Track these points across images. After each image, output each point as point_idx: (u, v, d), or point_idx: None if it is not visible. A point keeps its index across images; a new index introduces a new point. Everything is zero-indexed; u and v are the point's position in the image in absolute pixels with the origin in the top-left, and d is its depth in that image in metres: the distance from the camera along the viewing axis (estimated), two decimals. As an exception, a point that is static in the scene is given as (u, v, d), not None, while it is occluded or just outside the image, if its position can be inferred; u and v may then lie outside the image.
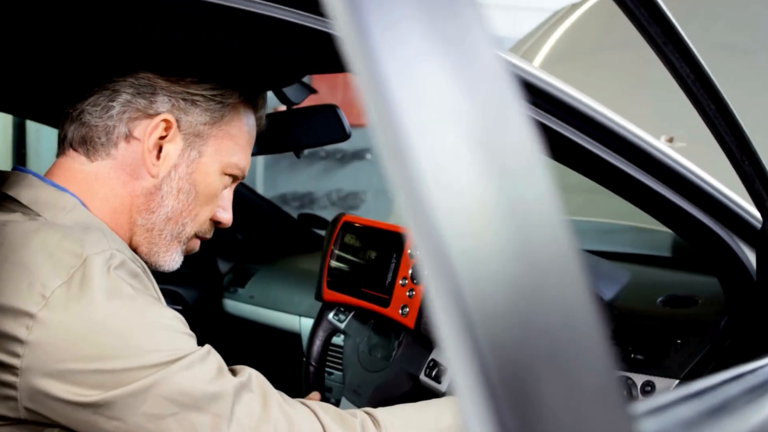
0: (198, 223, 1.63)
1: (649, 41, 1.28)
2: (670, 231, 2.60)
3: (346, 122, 2.22)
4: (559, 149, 1.59)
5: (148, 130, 1.55)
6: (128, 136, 1.55)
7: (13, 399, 1.33)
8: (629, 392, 1.82)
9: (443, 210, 0.54)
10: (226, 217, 1.68)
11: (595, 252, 2.35)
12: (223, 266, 3.33)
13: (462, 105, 0.56)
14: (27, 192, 1.52)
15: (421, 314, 1.79)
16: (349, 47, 0.55)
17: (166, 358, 1.33)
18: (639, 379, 1.83)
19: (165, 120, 1.55)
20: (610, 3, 3.52)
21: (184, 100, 1.57)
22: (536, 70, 1.48)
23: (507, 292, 0.55)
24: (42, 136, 4.20)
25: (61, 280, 1.33)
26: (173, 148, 1.57)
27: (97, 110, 1.55)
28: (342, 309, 2.11)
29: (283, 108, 2.30)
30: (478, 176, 0.55)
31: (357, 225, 2.02)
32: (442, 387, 1.84)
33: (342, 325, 2.08)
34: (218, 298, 3.27)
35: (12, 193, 1.52)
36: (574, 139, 1.53)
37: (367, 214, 5.78)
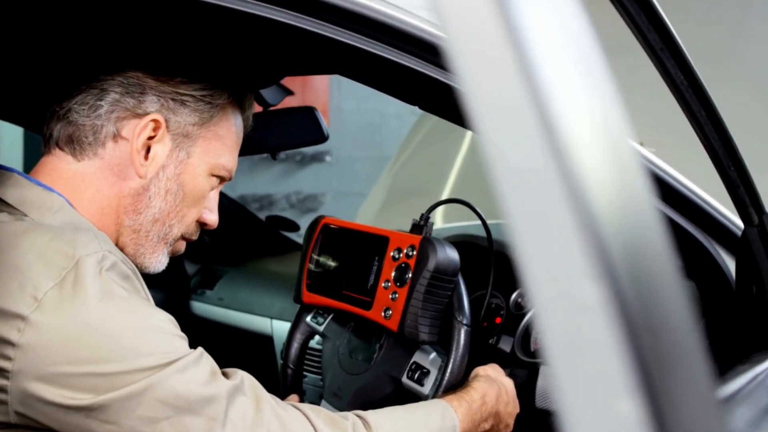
0: (185, 224, 1.62)
1: (646, 47, 1.29)
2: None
3: (324, 124, 2.22)
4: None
5: (137, 130, 1.53)
6: (116, 136, 1.53)
7: (4, 403, 1.31)
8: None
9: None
10: (212, 218, 1.67)
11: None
12: (190, 268, 3.32)
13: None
14: (13, 191, 1.49)
15: (404, 317, 1.78)
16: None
17: (160, 361, 1.32)
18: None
19: (154, 120, 1.54)
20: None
21: (173, 100, 1.56)
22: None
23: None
24: (4, 135, 4.15)
25: (53, 281, 1.31)
26: (161, 148, 1.56)
27: (84, 109, 1.53)
28: (320, 311, 2.10)
29: (258, 109, 2.30)
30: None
31: (337, 227, 2.02)
32: (425, 390, 1.84)
33: (321, 328, 2.08)
34: (185, 300, 3.25)
35: None
36: None
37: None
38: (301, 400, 2.01)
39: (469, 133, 3.80)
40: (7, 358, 1.30)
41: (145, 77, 1.55)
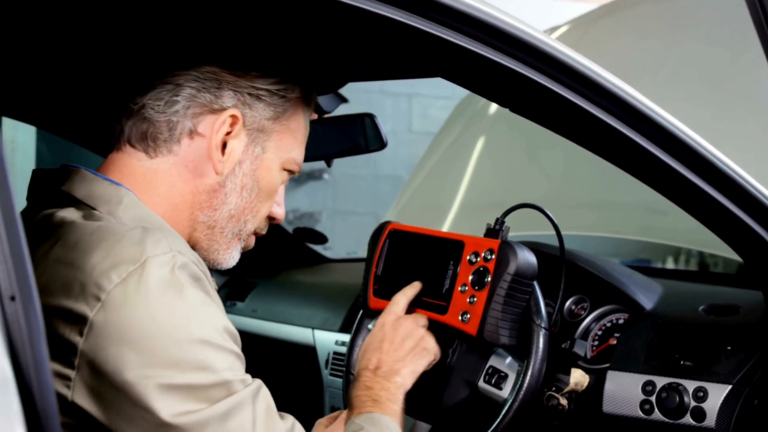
0: (258, 219, 1.62)
1: None
2: (677, 245, 2.59)
3: (384, 131, 2.22)
4: (600, 138, 1.63)
5: (215, 126, 1.52)
6: (192, 132, 1.52)
7: (69, 403, 1.31)
8: (681, 399, 1.84)
9: None
10: (281, 212, 1.68)
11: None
12: (218, 280, 3.29)
13: None
14: (81, 187, 1.48)
15: (484, 320, 1.78)
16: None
17: (215, 380, 1.32)
18: (690, 385, 1.86)
19: (232, 115, 1.53)
20: (578, 34, 3.57)
21: (249, 94, 1.55)
22: (582, 57, 1.52)
23: None
24: (17, 149, 4.12)
25: (117, 280, 1.30)
26: (237, 144, 1.55)
27: (159, 105, 1.51)
28: (384, 318, 2.09)
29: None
30: None
31: (406, 232, 2.02)
32: (503, 393, 1.85)
33: (386, 334, 2.07)
34: (215, 312, 3.23)
35: (66, 188, 1.49)
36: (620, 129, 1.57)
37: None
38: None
39: (480, 148, 3.82)
40: (70, 363, 1.30)
41: (221, 72, 1.53)
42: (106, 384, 1.29)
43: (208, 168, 1.53)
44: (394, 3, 1.34)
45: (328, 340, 2.79)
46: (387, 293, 2.01)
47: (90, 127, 2.40)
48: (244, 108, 1.54)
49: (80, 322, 1.29)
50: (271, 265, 3.29)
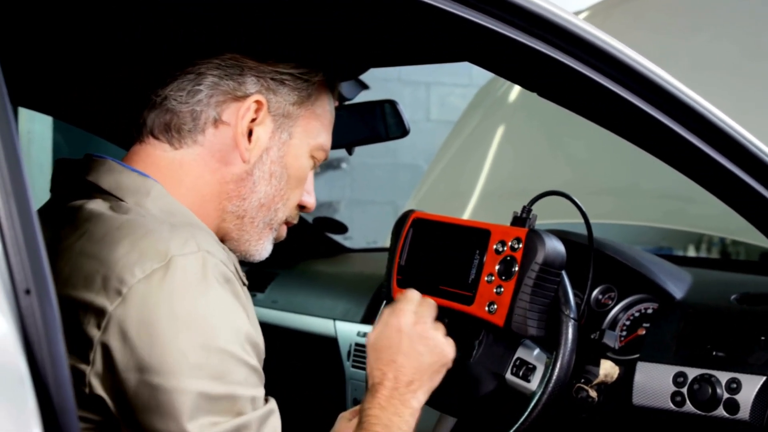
0: (289, 207, 1.59)
1: None
2: (701, 232, 2.54)
3: (406, 117, 2.18)
4: (630, 122, 1.59)
5: (240, 113, 1.49)
6: (217, 121, 1.49)
7: (88, 397, 1.29)
8: (713, 390, 1.79)
9: None
10: (311, 200, 1.64)
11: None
12: (239, 271, 3.27)
13: None
14: (108, 177, 1.45)
15: (511, 311, 1.74)
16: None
17: (224, 393, 1.27)
18: (723, 376, 1.81)
19: (256, 101, 1.49)
20: (598, 20, 3.55)
21: (273, 79, 1.51)
22: (612, 39, 1.48)
23: None
24: (33, 139, 4.11)
25: (140, 275, 1.27)
26: (263, 130, 1.52)
27: (182, 95, 1.48)
28: (408, 308, 2.05)
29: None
30: None
31: (430, 221, 1.97)
32: (531, 386, 1.80)
33: (410, 325, 2.03)
34: (234, 303, 3.21)
35: (92, 178, 1.46)
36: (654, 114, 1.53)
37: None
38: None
39: (500, 136, 3.79)
40: (86, 356, 1.27)
41: (242, 58, 1.50)
42: (119, 379, 1.26)
43: (235, 156, 1.50)
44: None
45: (349, 332, 2.75)
46: (411, 283, 1.97)
47: (107, 118, 2.37)
48: (268, 93, 1.51)
49: (99, 314, 1.26)
50: (291, 256, 3.25)
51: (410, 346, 1.63)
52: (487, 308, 1.78)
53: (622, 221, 3.52)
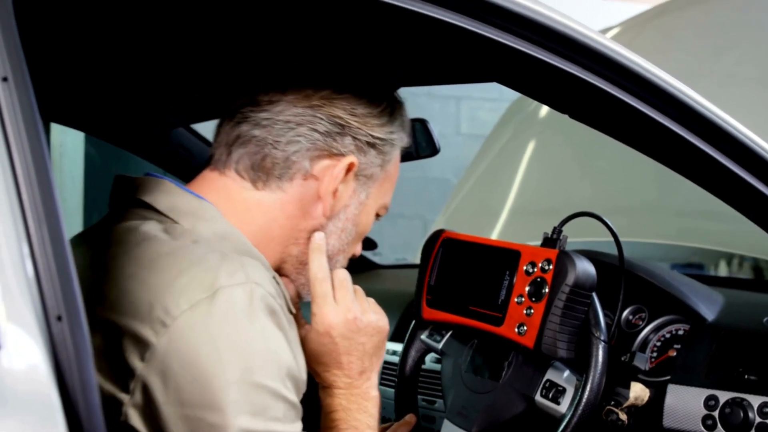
0: (345, 260, 1.61)
1: None
2: (731, 251, 2.50)
3: (436, 136, 2.17)
4: (660, 143, 1.58)
5: (334, 172, 1.51)
6: (307, 174, 1.50)
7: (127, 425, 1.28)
8: (745, 414, 1.77)
9: None
10: (360, 250, 1.67)
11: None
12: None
13: None
14: (164, 198, 1.46)
15: (541, 333, 1.73)
16: None
17: (262, 429, 1.27)
18: (755, 400, 1.79)
19: (350, 163, 1.52)
20: (630, 36, 3.51)
21: (367, 143, 1.54)
22: (642, 60, 1.47)
23: None
24: (65, 152, 4.14)
25: (185, 307, 1.26)
26: (346, 188, 1.54)
27: (280, 142, 1.49)
28: (436, 328, 2.05)
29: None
30: None
31: (460, 241, 1.97)
32: (561, 408, 1.79)
33: (439, 345, 2.02)
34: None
35: (148, 199, 1.46)
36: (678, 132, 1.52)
37: (369, 237, 5.72)
38: (418, 420, 1.96)
39: (530, 152, 3.77)
40: (126, 386, 1.26)
41: (347, 118, 1.52)
42: (159, 413, 1.25)
43: (316, 209, 1.52)
44: (449, 6, 1.30)
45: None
46: (440, 303, 1.97)
47: (141, 134, 2.39)
48: (360, 154, 1.53)
49: (143, 345, 1.26)
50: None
51: (348, 344, 1.56)
52: (516, 330, 1.77)
53: (651, 240, 3.50)
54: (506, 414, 1.86)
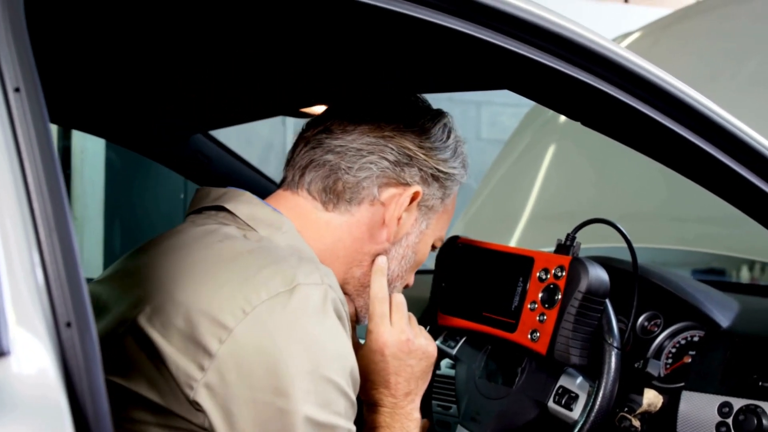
0: (401, 287, 1.69)
1: None
2: (751, 258, 2.49)
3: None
4: (673, 150, 1.58)
5: (401, 200, 1.59)
6: (375, 199, 1.58)
7: (199, 409, 1.31)
8: (759, 421, 1.77)
9: None
10: (413, 281, 1.74)
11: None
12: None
13: None
14: (244, 208, 1.54)
15: (554, 339, 1.74)
16: None
17: (326, 421, 1.32)
18: (769, 408, 1.79)
19: (416, 192, 1.60)
20: (651, 40, 3.49)
21: (432, 175, 1.62)
22: (655, 67, 1.48)
23: None
24: (86, 159, 4.17)
25: (265, 296, 1.32)
26: (409, 217, 1.62)
27: (353, 168, 1.57)
28: (450, 334, 2.06)
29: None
30: None
31: (474, 247, 1.98)
32: (574, 414, 1.79)
33: (453, 351, 2.03)
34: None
35: (230, 206, 1.55)
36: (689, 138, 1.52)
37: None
38: (431, 425, 1.97)
39: (550, 158, 3.77)
40: (202, 368, 1.30)
41: (415, 150, 1.60)
42: (230, 394, 1.30)
43: (380, 234, 1.60)
44: (460, 15, 1.31)
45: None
46: (455, 309, 1.98)
47: (160, 140, 2.41)
48: (424, 185, 1.62)
49: (222, 329, 1.31)
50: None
51: (398, 365, 1.65)
52: (529, 336, 1.78)
53: (670, 246, 3.49)
54: (519, 420, 1.86)
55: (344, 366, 1.36)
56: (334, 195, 1.58)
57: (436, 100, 5.27)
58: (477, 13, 1.30)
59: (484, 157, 5.47)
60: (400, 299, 1.67)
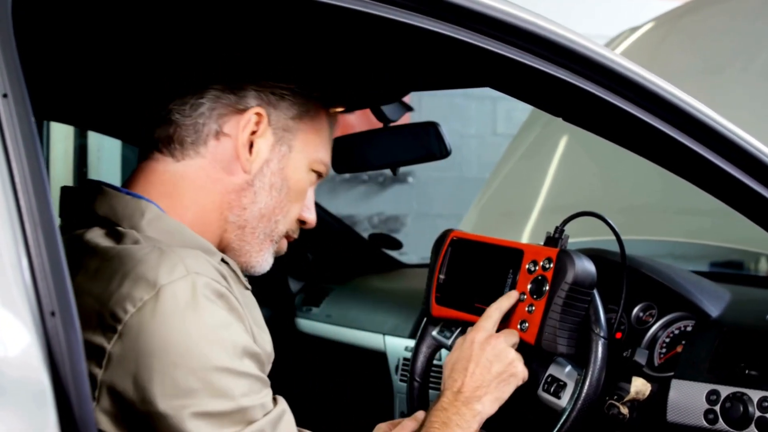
0: (289, 220, 1.63)
1: None
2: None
3: (448, 139, 2.23)
4: (654, 145, 1.62)
5: (241, 125, 1.54)
6: (218, 133, 1.54)
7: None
8: (745, 409, 1.81)
9: None
10: (311, 217, 1.68)
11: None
12: (294, 285, 3.35)
13: None
14: (102, 203, 1.51)
15: (542, 330, 1.79)
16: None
17: (232, 408, 1.33)
18: (755, 395, 1.83)
19: (257, 113, 1.54)
20: (663, 31, 3.51)
21: (272, 94, 1.56)
22: (630, 63, 1.52)
23: None
24: (102, 156, 4.24)
25: (132, 311, 1.32)
26: (264, 143, 1.56)
27: (185, 108, 1.53)
28: (447, 325, 2.10)
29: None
30: None
31: (467, 240, 2.03)
32: (562, 402, 1.84)
33: (449, 342, 2.08)
34: (291, 318, 3.28)
35: (91, 205, 1.52)
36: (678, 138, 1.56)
37: (407, 237, 5.77)
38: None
39: (558, 153, 3.80)
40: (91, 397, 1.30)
41: (242, 72, 1.56)
42: (130, 412, 1.32)
43: (236, 167, 1.55)
44: (439, 17, 1.36)
45: (398, 346, 2.81)
46: (449, 301, 2.03)
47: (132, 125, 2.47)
48: (269, 107, 1.56)
49: (99, 353, 1.32)
50: (346, 272, 3.33)
51: (481, 354, 1.74)
52: (519, 326, 1.83)
53: (689, 240, 3.51)
54: (510, 408, 1.91)
55: (233, 348, 1.36)
56: (178, 142, 1.53)
57: (450, 95, 5.28)
58: (449, 12, 1.35)
59: (500, 152, 5.50)
60: (512, 331, 1.81)
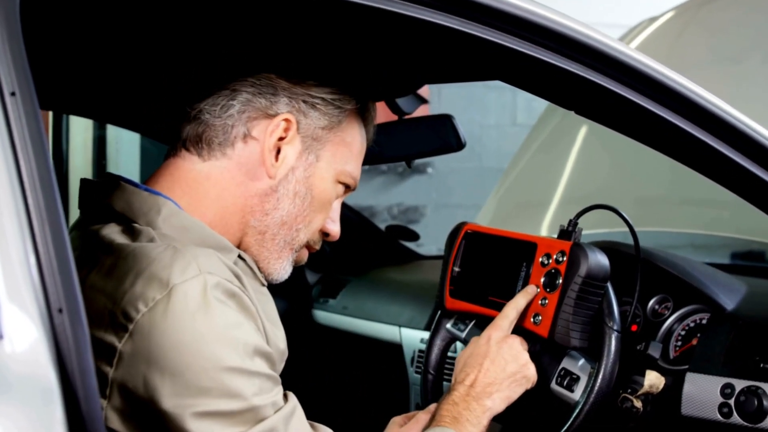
0: (311, 230, 1.61)
1: None
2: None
3: (462, 132, 2.23)
4: (667, 138, 1.61)
5: (269, 130, 1.54)
6: (246, 136, 1.54)
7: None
8: (760, 402, 1.81)
9: None
10: (335, 229, 1.66)
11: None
12: (311, 277, 3.35)
13: None
14: (120, 199, 1.51)
15: (555, 323, 1.79)
16: None
17: (244, 407, 1.34)
18: (770, 389, 1.82)
19: (285, 120, 1.54)
20: (683, 21, 3.49)
21: (304, 102, 1.56)
22: (642, 56, 1.51)
23: None
24: (121, 148, 4.26)
25: (144, 310, 1.32)
26: (291, 150, 1.56)
27: (216, 109, 1.54)
28: (461, 318, 2.11)
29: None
30: None
31: (481, 233, 2.03)
32: (575, 396, 1.84)
33: (463, 334, 2.08)
34: (308, 309, 3.29)
35: (108, 200, 1.52)
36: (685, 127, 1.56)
37: (426, 228, 5.77)
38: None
39: (577, 144, 3.78)
40: (102, 392, 1.33)
41: (277, 79, 1.56)
42: (141, 411, 1.33)
43: (261, 172, 1.55)
44: (450, 11, 1.36)
45: (413, 338, 2.81)
46: (462, 294, 2.03)
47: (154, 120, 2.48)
48: (299, 115, 1.56)
49: (110, 352, 1.33)
50: (363, 263, 3.34)
51: (497, 352, 1.76)
52: (532, 319, 1.83)
53: (709, 232, 3.50)
54: (523, 401, 1.91)
55: (243, 348, 1.36)
56: (206, 142, 1.53)
57: (469, 86, 5.25)
58: (461, 7, 1.35)
59: (520, 142, 5.49)
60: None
